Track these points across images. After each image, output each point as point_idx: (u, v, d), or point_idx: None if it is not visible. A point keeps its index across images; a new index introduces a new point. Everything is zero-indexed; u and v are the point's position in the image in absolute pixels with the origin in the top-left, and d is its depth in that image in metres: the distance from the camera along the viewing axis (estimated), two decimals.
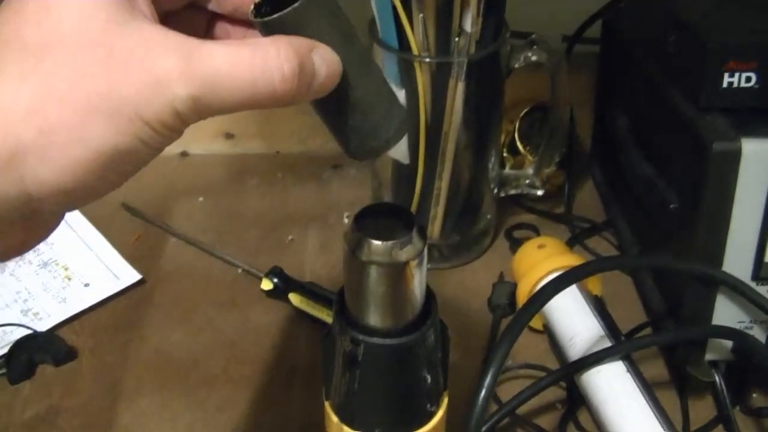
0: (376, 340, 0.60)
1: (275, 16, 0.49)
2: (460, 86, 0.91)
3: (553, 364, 0.90)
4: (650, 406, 0.78)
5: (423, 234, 0.58)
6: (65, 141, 0.43)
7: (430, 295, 0.63)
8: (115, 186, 0.47)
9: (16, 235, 0.47)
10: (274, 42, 0.48)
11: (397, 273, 0.58)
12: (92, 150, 0.43)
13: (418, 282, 0.59)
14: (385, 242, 0.56)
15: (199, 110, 0.45)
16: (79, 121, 0.43)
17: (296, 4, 0.49)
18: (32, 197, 0.44)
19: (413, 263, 0.57)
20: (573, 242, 1.07)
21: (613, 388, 0.80)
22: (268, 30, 0.50)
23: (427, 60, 0.91)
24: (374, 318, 0.60)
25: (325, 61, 0.50)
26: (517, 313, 0.74)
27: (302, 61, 0.48)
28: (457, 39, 0.89)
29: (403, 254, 0.57)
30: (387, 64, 0.92)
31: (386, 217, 0.60)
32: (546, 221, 1.12)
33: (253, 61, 0.46)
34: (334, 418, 0.68)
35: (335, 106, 0.53)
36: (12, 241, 0.47)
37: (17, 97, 0.43)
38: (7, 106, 0.42)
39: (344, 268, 0.60)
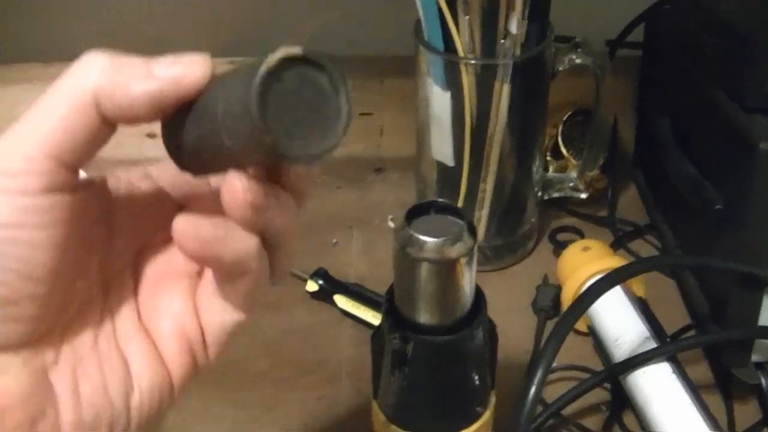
0: (425, 337, 0.61)
1: None
2: (506, 88, 0.91)
3: (597, 366, 0.90)
4: (697, 408, 0.78)
5: (473, 231, 0.59)
6: None
7: (479, 293, 0.63)
8: None
9: None
10: None
11: (447, 270, 0.58)
12: None
13: (467, 279, 0.60)
14: (435, 239, 0.57)
15: None
16: None
17: None
18: None
19: (463, 260, 0.58)
20: (616, 245, 1.07)
21: (660, 389, 0.80)
22: None
23: (473, 62, 0.91)
24: (424, 315, 0.61)
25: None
26: (566, 313, 0.75)
27: None
28: (502, 41, 0.89)
29: (454, 251, 0.57)
30: (432, 66, 0.93)
31: (436, 214, 0.60)
32: (589, 225, 1.12)
33: None
34: (382, 417, 0.68)
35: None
36: None
37: None
38: None
39: (394, 265, 0.61)
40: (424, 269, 0.58)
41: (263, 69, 0.42)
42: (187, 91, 0.46)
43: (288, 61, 0.43)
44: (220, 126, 0.44)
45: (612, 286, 0.78)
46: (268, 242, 0.50)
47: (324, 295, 1.00)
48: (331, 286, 1.01)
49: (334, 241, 1.11)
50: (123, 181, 0.54)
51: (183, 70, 0.46)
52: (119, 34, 1.36)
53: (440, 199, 0.60)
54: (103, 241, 0.52)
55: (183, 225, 0.47)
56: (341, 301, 0.99)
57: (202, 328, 0.54)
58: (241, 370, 0.93)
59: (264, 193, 0.47)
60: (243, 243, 0.48)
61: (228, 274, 0.50)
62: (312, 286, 1.00)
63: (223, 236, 0.47)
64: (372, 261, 1.08)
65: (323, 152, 0.44)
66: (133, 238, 0.55)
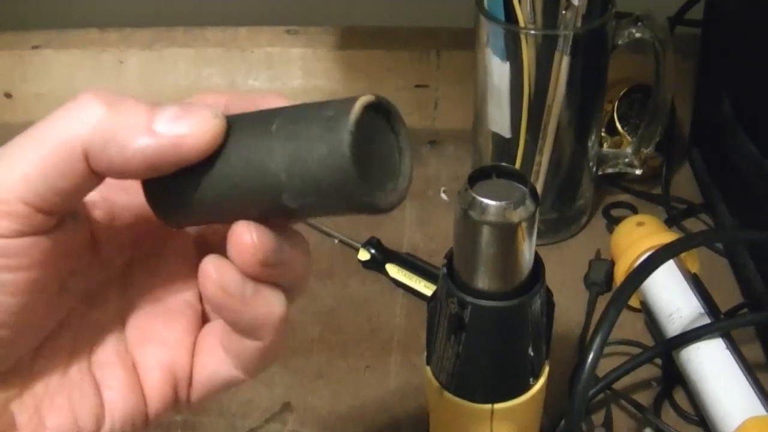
0: (483, 302, 0.61)
1: None
2: (565, 60, 0.90)
3: (649, 343, 0.90)
4: (751, 385, 0.77)
5: (535, 196, 0.58)
6: None
7: (537, 261, 0.63)
8: None
9: None
10: None
11: (508, 234, 0.58)
12: None
13: (528, 244, 0.59)
14: (498, 202, 0.57)
15: None
16: None
17: None
18: None
19: (525, 225, 0.58)
20: (670, 223, 1.06)
21: (714, 365, 0.80)
22: None
23: (533, 32, 0.90)
24: (483, 280, 0.60)
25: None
26: (624, 282, 0.74)
27: None
28: (564, 12, 0.89)
29: (516, 215, 0.57)
30: (493, 36, 0.92)
31: (499, 178, 0.60)
32: (643, 202, 1.11)
33: None
34: (435, 384, 0.68)
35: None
36: None
37: None
38: None
39: (455, 228, 0.60)
40: (486, 232, 0.58)
41: (352, 121, 0.40)
42: (191, 155, 0.42)
43: (365, 110, 0.41)
44: (279, 187, 0.42)
45: (671, 257, 0.77)
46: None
47: (376, 265, 1.01)
48: (383, 255, 1.01)
49: None
50: (114, 187, 0.49)
51: (187, 130, 0.42)
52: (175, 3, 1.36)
53: (503, 164, 0.59)
54: (87, 265, 0.49)
55: (210, 269, 0.44)
56: (393, 270, 0.99)
57: (192, 368, 0.51)
58: (293, 337, 0.93)
59: (276, 246, 0.44)
60: (265, 308, 0.46)
61: (240, 332, 0.48)
62: (364, 255, 1.01)
63: (249, 296, 0.45)
64: (425, 232, 1.08)
65: (401, 199, 0.43)
66: (122, 250, 0.52)
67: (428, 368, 0.69)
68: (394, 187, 0.43)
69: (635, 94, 1.11)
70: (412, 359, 0.90)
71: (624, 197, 1.12)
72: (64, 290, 0.47)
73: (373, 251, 1.01)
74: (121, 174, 0.43)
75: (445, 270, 0.63)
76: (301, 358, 0.91)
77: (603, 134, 1.11)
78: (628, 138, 1.09)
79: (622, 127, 1.11)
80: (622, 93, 1.11)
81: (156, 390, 0.50)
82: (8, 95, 1.31)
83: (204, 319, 0.53)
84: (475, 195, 0.57)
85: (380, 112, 0.43)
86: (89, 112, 0.42)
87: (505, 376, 0.66)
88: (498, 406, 0.66)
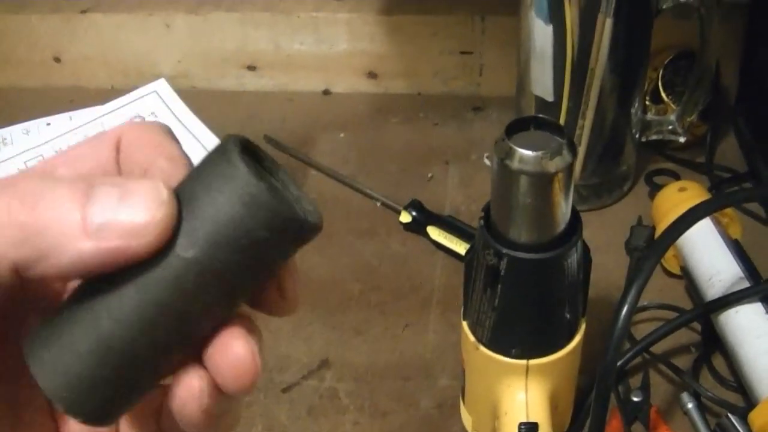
0: (519, 254, 0.61)
1: None
2: (608, 22, 0.90)
3: (689, 308, 0.90)
4: None
5: (572, 147, 0.58)
6: None
7: (575, 215, 0.63)
8: None
9: None
10: None
11: (545, 183, 0.58)
12: None
13: (564, 196, 0.60)
14: (534, 152, 0.57)
15: None
16: None
17: None
18: None
19: (561, 175, 0.58)
20: (714, 191, 1.06)
21: (752, 328, 0.79)
22: None
23: None
24: (519, 231, 0.61)
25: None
26: (659, 237, 0.73)
27: None
28: None
29: (552, 165, 0.57)
30: None
31: (537, 130, 0.60)
32: (686, 170, 1.10)
33: None
34: (471, 338, 0.69)
35: None
36: None
37: None
38: None
39: (492, 179, 0.61)
40: (522, 182, 0.58)
41: (239, 160, 0.37)
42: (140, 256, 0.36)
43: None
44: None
45: (709, 213, 0.77)
46: None
47: (417, 227, 1.01)
48: (425, 217, 1.01)
49: (430, 175, 1.11)
50: None
51: (132, 219, 0.35)
52: None
53: (541, 115, 0.60)
54: None
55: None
56: (434, 233, 0.99)
57: None
58: (332, 294, 0.94)
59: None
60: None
61: None
62: (405, 217, 1.01)
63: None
64: (467, 196, 1.08)
65: (319, 217, 0.40)
66: None
67: (465, 323, 0.70)
68: (309, 207, 0.40)
69: (681, 62, 1.10)
70: (451, 318, 0.91)
71: (667, 165, 1.11)
72: None
73: (414, 213, 1.01)
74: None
75: (482, 222, 0.63)
76: (340, 316, 0.92)
77: (648, 102, 1.10)
78: (673, 106, 1.09)
79: (667, 95, 1.10)
80: (667, 60, 1.10)
81: None
82: (57, 59, 1.32)
83: None
84: (512, 145, 0.57)
85: (247, 153, 0.38)
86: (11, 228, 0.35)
87: (541, 331, 0.67)
88: (533, 361, 0.67)
